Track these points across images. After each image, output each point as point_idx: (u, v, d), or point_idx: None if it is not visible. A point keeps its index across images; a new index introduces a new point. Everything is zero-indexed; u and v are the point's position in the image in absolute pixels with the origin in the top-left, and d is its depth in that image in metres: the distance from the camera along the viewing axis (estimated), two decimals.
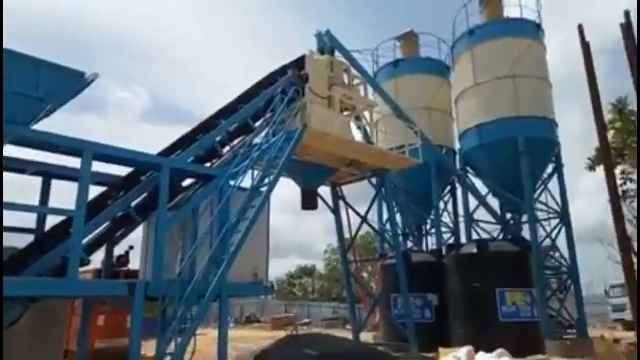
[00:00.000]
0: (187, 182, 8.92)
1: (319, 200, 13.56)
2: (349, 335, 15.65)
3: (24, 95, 6.41)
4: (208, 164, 9.11)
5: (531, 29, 17.76)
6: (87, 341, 8.89)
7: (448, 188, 20.03)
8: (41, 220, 7.96)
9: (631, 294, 9.18)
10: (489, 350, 9.73)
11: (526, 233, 16.25)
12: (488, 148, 16.75)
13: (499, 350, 9.64)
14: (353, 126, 13.50)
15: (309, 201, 12.90)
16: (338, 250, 18.04)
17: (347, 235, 15.82)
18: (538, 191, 17.43)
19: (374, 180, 15.24)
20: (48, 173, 8.02)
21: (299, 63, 11.12)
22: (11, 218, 7.11)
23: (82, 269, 7.52)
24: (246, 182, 8.72)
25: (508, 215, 17.80)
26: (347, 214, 15.59)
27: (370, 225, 16.40)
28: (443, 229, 19.15)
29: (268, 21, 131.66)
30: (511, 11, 18.70)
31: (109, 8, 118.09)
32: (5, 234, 6.90)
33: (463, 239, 17.93)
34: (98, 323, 11.65)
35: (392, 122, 15.81)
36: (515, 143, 15.96)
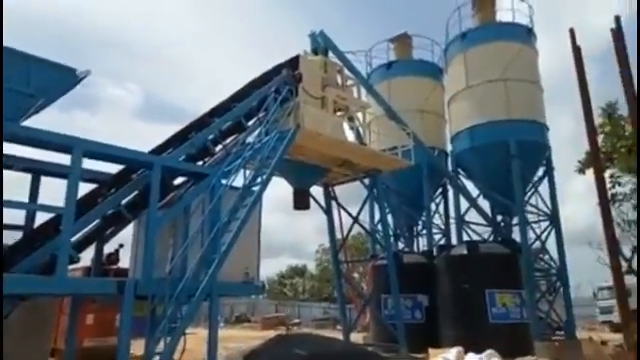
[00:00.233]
0: (179, 180, 8.87)
1: (311, 200, 13.56)
2: (339, 335, 15.68)
3: (14, 91, 6.35)
4: (200, 163, 9.05)
5: (523, 33, 17.88)
6: (75, 340, 8.80)
7: (440, 190, 20.11)
8: (30, 217, 7.86)
9: (618, 297, 9.29)
10: (479, 351, 9.74)
11: (516, 235, 16.36)
12: (480, 151, 16.85)
13: (489, 351, 9.66)
14: (346, 127, 13.50)
15: (301, 201, 12.88)
16: (330, 250, 18.03)
17: (339, 235, 15.85)
18: (529, 194, 17.56)
19: (366, 181, 15.25)
20: (38, 170, 7.93)
21: (293, 63, 11.09)
22: None
23: (71, 267, 7.47)
24: (238, 181, 8.71)
25: (499, 217, 17.94)
26: (339, 215, 15.61)
27: (362, 226, 16.40)
28: (434, 230, 19.24)
29: (265, 21, 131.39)
30: (504, 15, 18.84)
31: (109, 8, 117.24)
32: None
33: (454, 240, 18.05)
34: (87, 322, 11.57)
35: (385, 123, 15.86)
36: (506, 146, 16.05)
